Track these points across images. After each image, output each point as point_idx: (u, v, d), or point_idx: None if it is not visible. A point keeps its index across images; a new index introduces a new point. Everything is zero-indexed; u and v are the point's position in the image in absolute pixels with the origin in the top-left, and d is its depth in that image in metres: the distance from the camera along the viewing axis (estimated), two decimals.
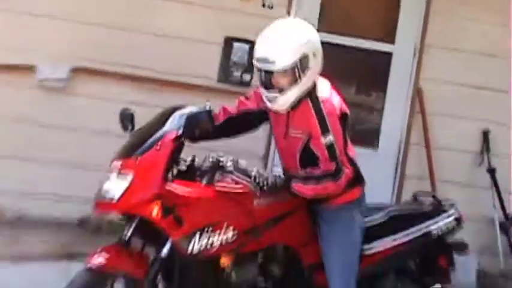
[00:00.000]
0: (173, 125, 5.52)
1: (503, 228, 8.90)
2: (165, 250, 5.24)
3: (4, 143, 8.04)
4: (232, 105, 5.93)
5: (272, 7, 8.81)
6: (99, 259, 5.11)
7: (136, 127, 5.59)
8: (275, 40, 5.51)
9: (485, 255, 8.84)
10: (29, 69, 8.14)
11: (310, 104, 5.60)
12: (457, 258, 7.14)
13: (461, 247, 6.33)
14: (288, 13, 8.74)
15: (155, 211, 5.16)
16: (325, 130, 5.44)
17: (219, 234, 5.40)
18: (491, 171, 8.85)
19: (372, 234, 5.89)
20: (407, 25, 9.12)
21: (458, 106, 8.95)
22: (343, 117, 5.53)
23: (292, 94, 5.46)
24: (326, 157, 5.47)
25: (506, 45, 8.85)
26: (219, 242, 5.39)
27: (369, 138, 9.28)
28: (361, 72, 9.39)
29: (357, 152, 7.62)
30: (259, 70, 5.57)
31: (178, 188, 5.30)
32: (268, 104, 5.63)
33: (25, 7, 8.21)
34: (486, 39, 8.96)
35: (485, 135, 8.96)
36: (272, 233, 5.63)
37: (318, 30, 7.58)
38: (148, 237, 5.37)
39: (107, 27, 8.18)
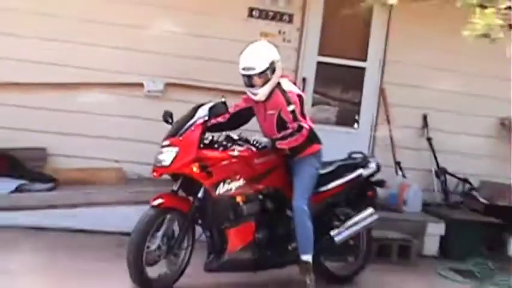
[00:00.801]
0: (201, 115, 6.83)
1: (437, 175, 10.95)
2: (200, 194, 6.67)
3: (125, 131, 9.70)
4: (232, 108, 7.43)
5: (290, 41, 10.65)
6: (159, 200, 6.57)
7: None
8: (253, 55, 7.11)
9: (426, 192, 10.83)
10: (140, 85, 9.92)
11: (279, 92, 7.12)
12: (409, 194, 10.39)
13: (381, 184, 8.19)
14: (299, 45, 10.77)
15: (195, 168, 6.53)
16: (288, 103, 7.02)
17: (234, 182, 6.87)
18: (429, 139, 10.95)
19: (326, 179, 7.53)
20: (374, 49, 11.17)
21: (408, 99, 10.94)
22: (299, 97, 7.17)
23: (267, 88, 7.09)
24: (291, 119, 7.01)
25: (447, 60, 10.85)
26: (234, 187, 6.86)
27: (351, 121, 11.39)
28: (347, 80, 11.50)
29: (344, 130, 10.64)
30: (244, 75, 7.12)
31: (208, 153, 6.75)
32: (253, 97, 7.17)
33: (137, 46, 9.91)
34: (428, 55, 10.84)
35: (425, 117, 11.06)
36: (266, 180, 7.15)
37: (319, 54, 10.30)
38: (188, 189, 6.77)
39: (188, 57, 9.70)
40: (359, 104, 11.30)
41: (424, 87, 10.99)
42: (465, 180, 11.13)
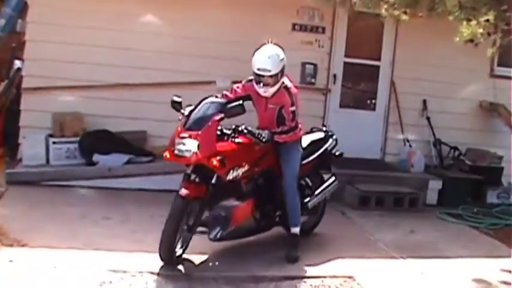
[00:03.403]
0: (216, 109, 6.16)
1: (434, 144, 11.03)
2: (213, 180, 6.09)
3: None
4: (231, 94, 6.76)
5: (323, 47, 10.78)
6: (184, 191, 5.98)
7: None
8: (269, 58, 6.39)
9: (427, 157, 10.92)
10: (214, 83, 9.79)
11: (284, 91, 6.52)
12: (415, 159, 10.38)
13: (341, 155, 7.69)
14: (330, 50, 10.82)
15: (215, 162, 5.92)
16: (292, 104, 6.48)
17: (241, 168, 6.31)
18: (428, 119, 11.04)
19: (302, 155, 7.02)
20: (386, 52, 11.18)
21: (412, 89, 11.03)
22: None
23: (276, 87, 6.49)
24: (290, 118, 6.52)
25: (440, 59, 10.76)
26: (241, 172, 6.31)
27: (371, 105, 11.40)
28: (366, 75, 11.46)
29: (365, 113, 11.12)
30: (259, 75, 6.42)
31: (223, 146, 6.15)
32: (262, 93, 6.53)
33: (210, 53, 9.89)
34: (426, 56, 10.82)
35: (424, 101, 11.13)
36: (262, 163, 6.63)
37: (345, 56, 10.82)
38: (201, 174, 6.11)
39: (248, 62, 8.05)
40: (375, 93, 11.42)
41: (424, 79, 11.07)
42: (455, 148, 11.21)
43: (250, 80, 6.68)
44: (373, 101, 11.45)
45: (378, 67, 11.30)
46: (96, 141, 9.59)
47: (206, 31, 10.08)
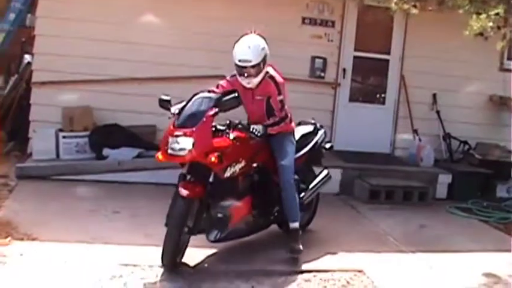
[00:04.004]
0: (209, 105, 5.86)
1: (444, 138, 11.03)
2: (210, 178, 5.89)
3: None
4: (217, 90, 6.37)
5: (333, 41, 10.78)
6: (184, 191, 5.68)
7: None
8: (249, 48, 6.17)
9: (436, 152, 10.90)
10: (223, 77, 8.19)
11: (270, 80, 6.32)
12: (425, 153, 10.38)
13: (331, 148, 7.55)
14: (340, 44, 10.82)
15: (213, 159, 5.63)
16: (279, 93, 6.32)
17: (238, 164, 6.04)
18: (438, 112, 11.03)
19: (297, 148, 6.84)
20: (395, 46, 11.17)
21: (421, 83, 10.99)
22: (283, 85, 6.41)
23: (259, 78, 6.27)
24: (278, 108, 6.37)
25: (449, 54, 10.75)
26: (238, 169, 6.04)
27: (380, 99, 11.42)
28: (376, 69, 11.47)
29: (375, 106, 11.10)
30: (240, 66, 6.20)
31: (219, 142, 5.87)
32: (246, 85, 6.29)
33: (217, 47, 9.47)
34: (436, 50, 10.75)
35: (434, 95, 11.13)
36: (258, 158, 6.40)
37: (355, 50, 10.79)
38: (197, 172, 5.86)
39: None
40: (385, 87, 11.42)
41: (433, 73, 11.03)
42: (465, 142, 11.21)
43: (234, 75, 6.47)
44: (383, 95, 11.44)
45: (387, 61, 11.28)
46: (106, 136, 9.61)
47: (215, 25, 9.99)
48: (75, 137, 9.59)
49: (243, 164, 6.09)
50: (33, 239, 6.33)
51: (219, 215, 5.97)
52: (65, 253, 6.01)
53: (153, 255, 5.89)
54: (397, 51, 11.24)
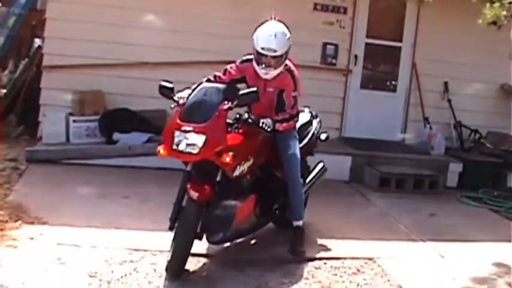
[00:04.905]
0: (220, 96, 5.43)
1: (455, 127, 11.05)
2: (218, 177, 5.39)
3: None
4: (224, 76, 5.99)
5: (344, 27, 10.75)
6: (195, 194, 5.24)
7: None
8: (275, 37, 5.70)
9: (447, 140, 10.92)
10: (233, 62, 8.13)
11: (287, 73, 5.94)
12: (436, 141, 10.39)
13: (327, 139, 7.09)
14: (352, 30, 10.78)
15: (228, 159, 5.23)
16: (295, 89, 6.01)
17: (247, 162, 5.64)
18: (449, 101, 11.06)
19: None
20: (407, 33, 11.16)
21: (433, 70, 10.97)
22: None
23: (278, 70, 5.83)
24: (291, 105, 5.99)
25: (462, 41, 10.69)
26: (247, 167, 5.64)
27: (392, 86, 11.44)
28: (388, 56, 11.46)
29: (387, 94, 11.08)
30: (261, 54, 5.72)
31: (233, 140, 5.46)
32: (263, 75, 5.83)
33: (228, 32, 9.76)
34: (448, 38, 10.71)
35: (445, 83, 11.14)
36: (264, 154, 6.01)
37: (367, 37, 10.77)
38: (202, 170, 5.41)
39: None
40: (396, 74, 11.42)
41: (445, 61, 10.97)
42: (476, 131, 11.22)
43: (245, 61, 6.02)
44: (394, 83, 11.43)
45: (399, 48, 11.27)
46: (116, 120, 9.64)
47: (226, 10, 10.04)
48: (86, 121, 9.61)
49: (251, 161, 5.70)
50: (44, 223, 6.33)
51: (223, 215, 5.58)
52: (75, 237, 6.02)
53: (163, 241, 5.78)
54: (409, 39, 11.20)
